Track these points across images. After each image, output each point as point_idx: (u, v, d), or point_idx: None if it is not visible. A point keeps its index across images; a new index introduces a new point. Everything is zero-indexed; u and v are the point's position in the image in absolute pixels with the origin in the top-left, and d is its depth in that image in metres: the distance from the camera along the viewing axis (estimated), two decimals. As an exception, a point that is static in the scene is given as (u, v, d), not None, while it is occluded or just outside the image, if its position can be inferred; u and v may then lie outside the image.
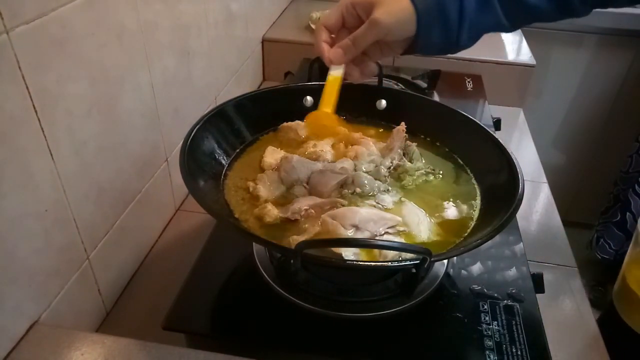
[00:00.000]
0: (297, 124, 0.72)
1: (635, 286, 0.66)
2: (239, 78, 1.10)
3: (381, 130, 0.75)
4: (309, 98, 0.75)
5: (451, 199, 0.63)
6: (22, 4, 0.44)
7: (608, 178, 1.86)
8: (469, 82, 1.17)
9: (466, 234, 0.57)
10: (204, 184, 0.58)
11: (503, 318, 0.56)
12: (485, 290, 0.60)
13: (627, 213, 1.68)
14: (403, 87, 1.04)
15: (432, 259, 0.46)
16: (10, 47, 0.44)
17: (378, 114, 0.77)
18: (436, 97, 1.08)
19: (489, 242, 0.50)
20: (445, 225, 0.59)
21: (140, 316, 0.66)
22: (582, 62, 1.75)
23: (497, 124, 1.05)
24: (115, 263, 0.67)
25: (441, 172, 0.67)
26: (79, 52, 0.53)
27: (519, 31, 1.41)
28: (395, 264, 0.51)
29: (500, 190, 0.59)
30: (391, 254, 0.52)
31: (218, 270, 0.62)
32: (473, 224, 0.59)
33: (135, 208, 0.70)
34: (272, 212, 0.57)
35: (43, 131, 0.49)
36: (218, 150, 0.65)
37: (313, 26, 1.30)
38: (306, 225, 0.56)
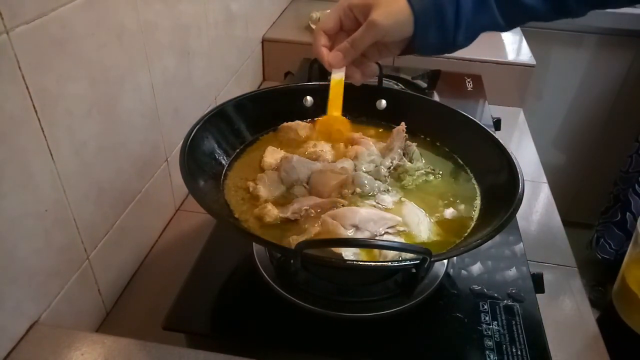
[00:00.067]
0: (297, 124, 0.72)
1: (635, 286, 0.66)
2: (239, 78, 1.10)
3: (381, 130, 0.75)
4: (309, 98, 0.75)
5: (451, 199, 0.63)
6: (22, 4, 0.44)
7: (608, 178, 1.87)
8: (469, 82, 1.17)
9: (466, 234, 0.57)
10: (204, 184, 0.58)
11: (503, 318, 0.56)
12: (485, 290, 0.60)
13: (627, 213, 1.68)
14: (403, 87, 1.04)
15: (432, 259, 0.46)
16: (10, 47, 0.44)
17: (378, 114, 0.77)
18: (436, 97, 1.08)
19: (489, 242, 0.50)
20: (445, 225, 0.59)
21: (140, 316, 0.66)
22: (582, 62, 1.75)
23: (497, 124, 1.05)
24: (115, 263, 0.67)
25: (441, 172, 0.67)
26: (79, 52, 0.53)
27: (519, 31, 1.41)
28: (395, 264, 0.51)
29: (500, 190, 0.59)
30: (391, 254, 0.52)
31: (218, 270, 0.62)
32: (473, 224, 0.59)
33: (135, 208, 0.70)
34: (272, 212, 0.57)
35: (43, 131, 0.49)
36: (218, 150, 0.65)
37: (313, 26, 1.30)
38: (306, 225, 0.56)
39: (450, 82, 1.15)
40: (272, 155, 0.67)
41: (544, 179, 0.98)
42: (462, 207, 0.61)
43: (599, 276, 1.80)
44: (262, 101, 0.72)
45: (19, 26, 0.44)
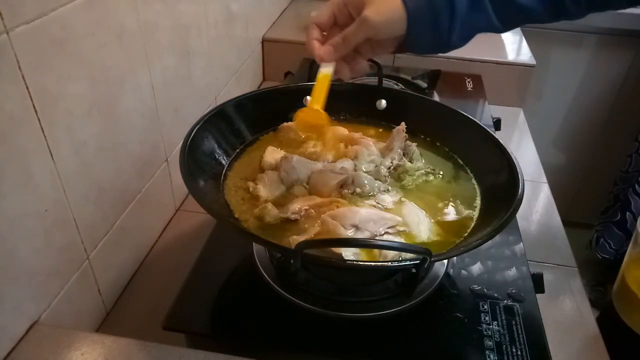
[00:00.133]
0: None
1: (635, 286, 0.66)
2: (239, 78, 1.10)
3: (381, 130, 0.75)
4: (308, 98, 0.74)
5: (451, 199, 0.63)
6: (22, 4, 0.44)
7: (608, 178, 1.87)
8: (469, 82, 1.17)
9: (466, 234, 0.57)
10: (204, 184, 0.58)
11: (503, 318, 0.56)
12: (485, 290, 0.60)
13: (627, 212, 1.68)
14: (403, 87, 1.04)
15: (432, 259, 0.46)
16: (10, 47, 0.44)
17: (378, 114, 0.77)
18: (436, 97, 1.08)
19: (489, 242, 0.50)
20: (445, 225, 0.59)
21: (140, 316, 0.66)
22: (582, 62, 1.75)
23: (497, 124, 1.05)
24: (115, 263, 0.67)
25: (441, 172, 0.67)
26: (79, 52, 0.53)
27: (519, 31, 1.41)
28: (395, 264, 0.51)
29: (500, 190, 0.59)
30: (391, 254, 0.52)
31: (218, 270, 0.62)
32: (473, 224, 0.59)
33: (135, 208, 0.70)
34: (272, 212, 0.57)
35: (43, 131, 0.49)
36: (218, 150, 0.65)
37: (313, 26, 1.30)
38: (306, 225, 0.56)
39: (450, 82, 1.15)
40: (272, 155, 0.67)
41: (544, 179, 0.98)
42: (462, 207, 0.61)
43: (599, 276, 1.80)
44: (262, 101, 0.72)
45: (19, 26, 0.44)
